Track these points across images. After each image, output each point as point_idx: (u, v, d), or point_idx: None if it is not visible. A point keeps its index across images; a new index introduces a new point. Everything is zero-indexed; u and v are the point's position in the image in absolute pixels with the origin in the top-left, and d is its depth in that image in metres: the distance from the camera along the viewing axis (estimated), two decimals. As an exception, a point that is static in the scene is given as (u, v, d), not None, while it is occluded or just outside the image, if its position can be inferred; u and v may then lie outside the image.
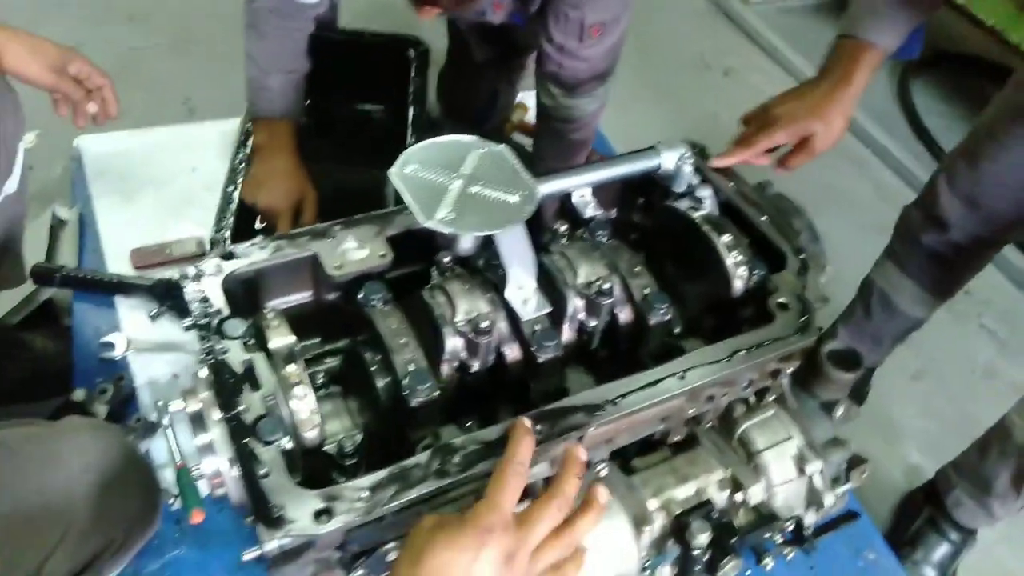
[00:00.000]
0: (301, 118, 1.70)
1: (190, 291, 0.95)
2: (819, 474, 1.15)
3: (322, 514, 0.77)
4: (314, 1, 1.57)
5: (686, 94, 3.00)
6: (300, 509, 0.76)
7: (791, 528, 1.15)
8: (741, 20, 3.38)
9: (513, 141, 2.23)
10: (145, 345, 1.56)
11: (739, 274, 1.07)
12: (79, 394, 1.39)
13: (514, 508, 0.76)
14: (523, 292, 0.96)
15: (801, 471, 1.14)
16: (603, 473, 1.01)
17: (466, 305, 0.93)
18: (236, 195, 1.63)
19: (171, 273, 1.64)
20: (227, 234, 1.56)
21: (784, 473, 1.14)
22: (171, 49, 2.67)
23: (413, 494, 0.80)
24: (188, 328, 0.95)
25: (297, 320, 1.07)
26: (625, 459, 1.18)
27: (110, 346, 1.54)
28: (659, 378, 0.93)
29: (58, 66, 1.26)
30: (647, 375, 0.94)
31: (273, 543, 0.74)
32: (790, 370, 1.09)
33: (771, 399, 1.16)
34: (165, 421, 1.23)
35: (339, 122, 2.12)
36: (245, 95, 1.71)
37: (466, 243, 0.91)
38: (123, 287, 1.62)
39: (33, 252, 1.71)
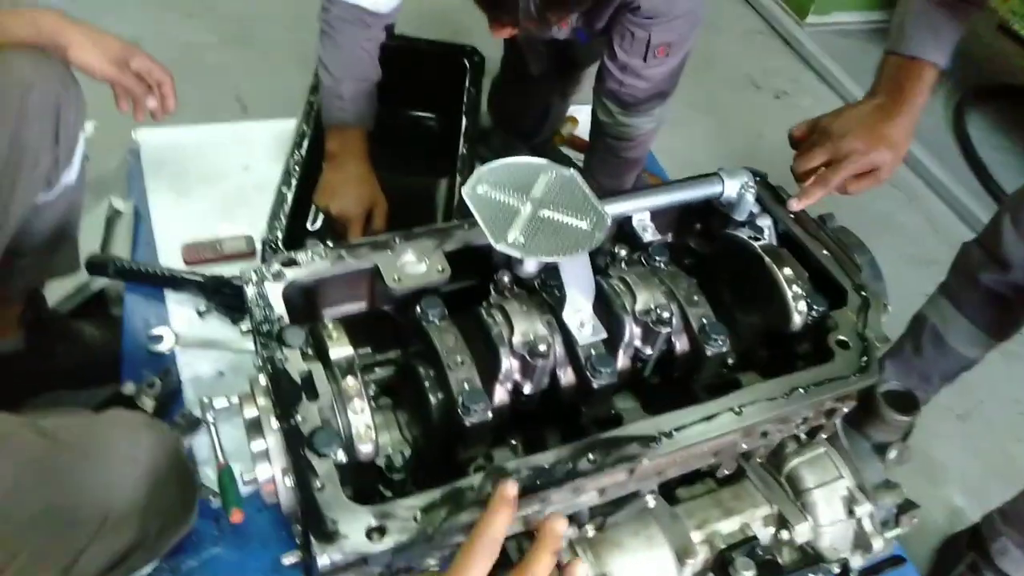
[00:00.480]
0: (372, 126, 1.70)
1: (251, 295, 0.96)
2: (869, 517, 1.12)
3: (375, 532, 0.76)
4: (387, 11, 1.58)
5: (735, 115, 2.97)
6: (354, 525, 0.76)
7: (837, 571, 1.12)
8: (795, 42, 3.34)
9: (561, 153, 2.23)
10: (192, 341, 1.58)
11: (799, 308, 1.05)
12: (129, 387, 1.40)
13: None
14: (580, 315, 0.95)
15: (850, 512, 1.11)
16: (651, 504, 0.99)
17: (524, 326, 0.93)
18: (290, 196, 1.65)
19: (221, 270, 1.66)
20: (279, 235, 1.57)
21: (833, 513, 1.11)
22: (226, 46, 2.71)
23: (465, 517, 0.79)
24: (246, 332, 0.96)
25: (349, 328, 1.08)
26: (668, 488, 1.17)
27: (158, 339, 1.56)
28: (716, 412, 0.92)
29: (120, 60, 1.28)
30: (704, 408, 0.92)
31: (325, 558, 0.74)
32: (846, 410, 1.07)
33: (823, 437, 1.13)
34: (209, 418, 1.25)
35: (391, 128, 2.12)
36: (302, 99, 1.73)
37: (530, 266, 0.91)
38: (174, 281, 1.64)
39: (89, 242, 1.74)
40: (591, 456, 0.86)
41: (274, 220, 1.59)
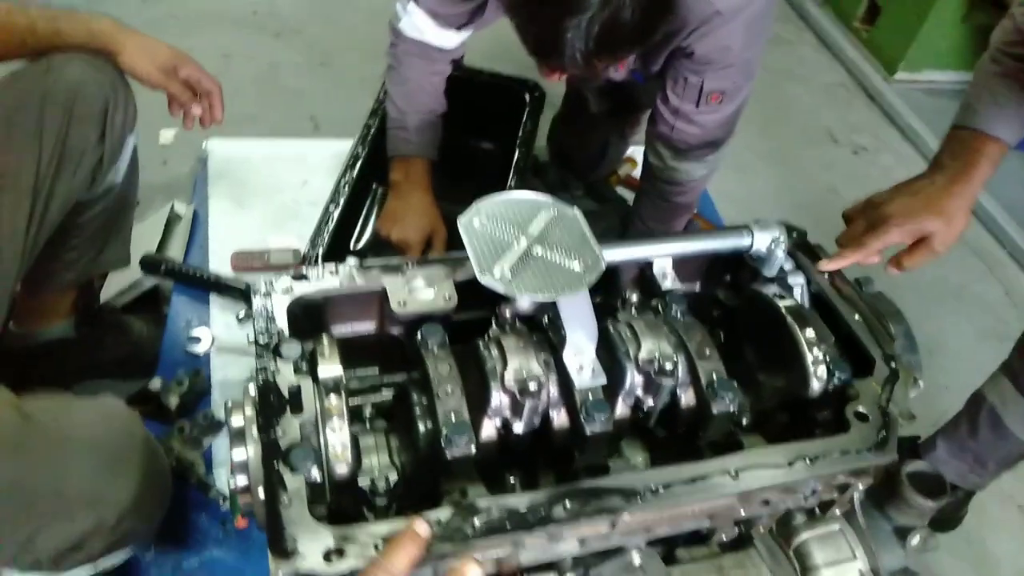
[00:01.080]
0: (435, 156, 1.74)
1: (256, 305, 0.97)
2: (881, 605, 1.04)
3: (334, 553, 0.76)
4: (453, 46, 1.62)
5: (807, 168, 2.88)
6: (313, 545, 0.76)
7: (841, 659, 1.04)
8: (880, 97, 3.23)
9: (616, 193, 2.21)
10: (228, 345, 1.63)
11: (819, 374, 1.00)
12: (155, 383, 1.45)
13: None
14: (580, 358, 0.93)
15: (861, 598, 1.04)
16: (636, 562, 0.95)
17: (517, 363, 0.91)
18: (336, 214, 1.68)
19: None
20: (320, 251, 1.61)
21: (841, 597, 1.04)
22: (308, 68, 2.82)
23: (428, 548, 0.78)
24: (250, 343, 0.98)
25: (360, 348, 1.08)
26: (671, 547, 1.12)
27: (196, 340, 1.62)
28: (709, 473, 0.88)
29: (168, 67, 1.33)
30: (696, 467, 0.88)
31: (279, 574, 0.73)
32: (861, 486, 1.00)
33: (838, 513, 1.06)
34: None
35: (449, 156, 2.16)
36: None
37: (523, 303, 0.89)
38: (219, 286, 1.70)
39: (149, 241, 1.83)
40: (567, 504, 0.83)
41: (317, 236, 1.63)
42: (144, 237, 1.82)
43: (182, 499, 1.39)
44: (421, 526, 0.76)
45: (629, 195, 2.21)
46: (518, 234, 0.87)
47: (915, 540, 1.07)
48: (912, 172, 1.28)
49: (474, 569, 0.74)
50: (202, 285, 1.71)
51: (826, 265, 1.14)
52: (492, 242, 0.86)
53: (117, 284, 1.78)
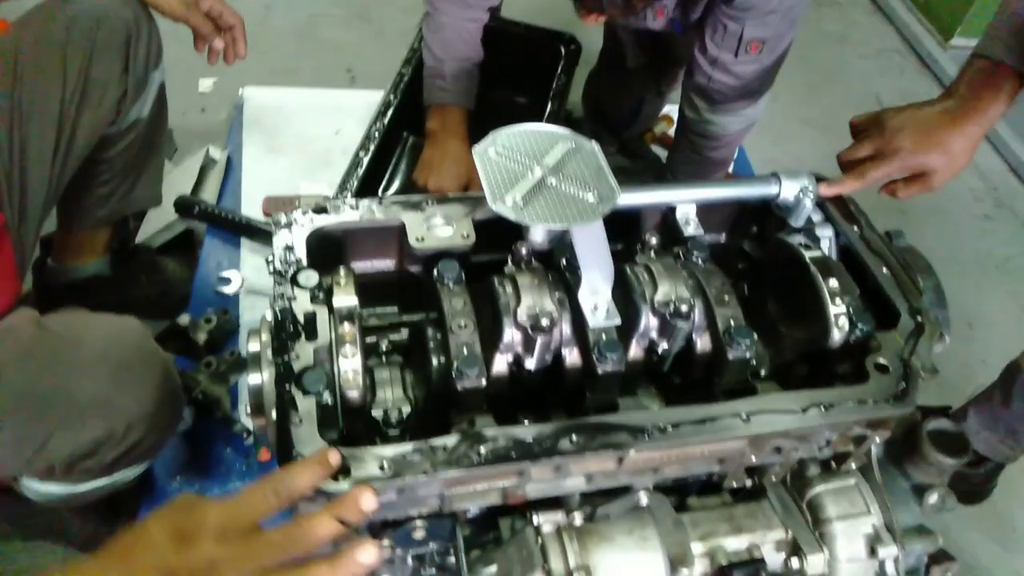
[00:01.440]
0: (472, 105, 1.73)
1: (279, 237, 0.99)
2: (892, 561, 1.02)
3: (338, 472, 0.77)
4: None
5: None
6: (320, 463, 0.77)
7: (850, 612, 1.04)
8: (935, 63, 3.11)
9: (651, 151, 2.18)
10: (257, 287, 1.66)
11: (839, 324, 0.97)
12: (184, 319, 1.49)
13: (242, 523, 0.67)
14: (595, 298, 0.93)
15: (873, 552, 1.02)
16: (643, 501, 0.95)
17: (530, 299, 0.91)
18: (366, 160, 1.69)
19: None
20: (348, 196, 1.61)
21: (852, 550, 1.03)
22: (346, 20, 2.81)
23: (433, 473, 0.79)
24: (271, 273, 0.99)
25: (380, 286, 1.09)
26: (683, 495, 1.12)
27: (227, 281, 1.65)
28: (719, 415, 0.87)
29: (188, 3, 1.33)
30: (706, 409, 0.87)
31: (286, 489, 0.75)
32: (879, 440, 0.98)
33: (854, 467, 1.05)
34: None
35: (482, 109, 2.15)
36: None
37: (537, 235, 0.89)
38: (250, 229, 1.72)
39: (184, 184, 1.86)
40: (574, 437, 0.83)
41: (346, 181, 1.64)
42: (179, 181, 1.86)
43: (207, 432, 1.43)
44: (333, 455, 0.74)
45: (664, 153, 2.17)
46: (533, 164, 0.86)
47: (932, 498, 1.05)
48: None
49: (368, 498, 0.71)
50: (234, 228, 1.74)
51: (826, 190, 1.13)
52: (507, 171, 0.85)
53: (153, 226, 1.82)
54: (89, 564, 0.67)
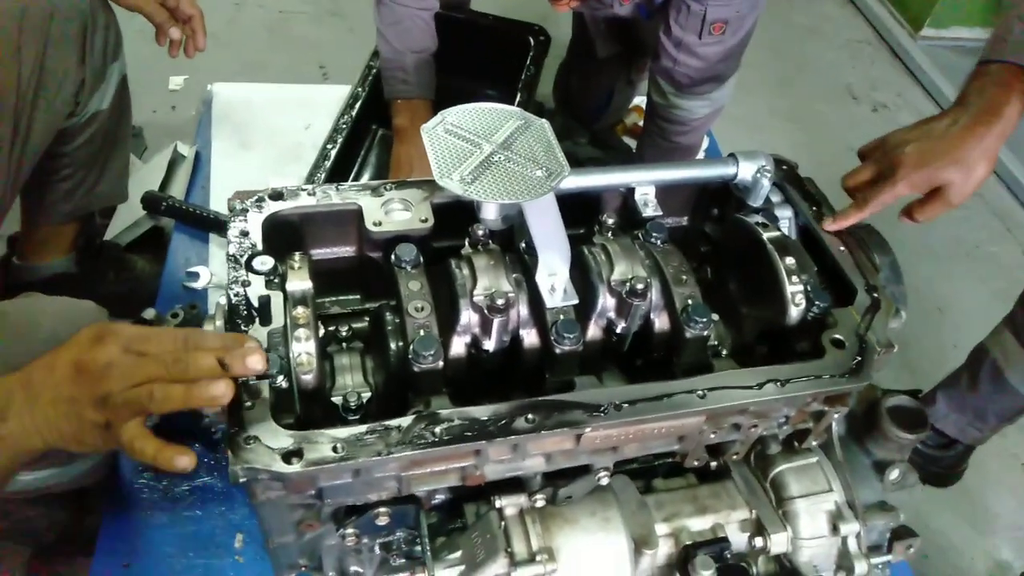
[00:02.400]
0: (433, 96, 1.72)
1: (235, 224, 0.98)
2: (855, 537, 1.03)
3: (291, 455, 0.77)
4: None
5: (825, 126, 2.82)
6: (270, 444, 0.77)
7: (813, 589, 1.04)
8: (905, 54, 3.14)
9: (622, 142, 2.18)
10: (225, 282, 1.64)
11: (796, 301, 0.98)
12: (149, 313, 1.46)
13: (146, 347, 0.76)
14: (553, 279, 0.93)
15: (835, 529, 1.03)
16: (603, 481, 0.95)
17: (487, 281, 0.91)
18: (334, 153, 1.69)
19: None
20: (315, 188, 1.61)
21: (815, 527, 1.04)
22: (317, 17, 2.81)
23: (388, 454, 0.78)
24: (226, 259, 0.99)
25: (342, 274, 1.09)
26: (649, 479, 1.12)
27: (195, 276, 1.64)
28: (674, 392, 0.87)
29: None
30: (662, 386, 0.87)
31: (236, 468, 0.75)
32: (837, 415, 0.99)
33: (815, 444, 1.06)
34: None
35: (452, 99, 2.15)
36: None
37: (489, 213, 0.89)
38: (218, 225, 1.71)
39: (154, 182, 1.84)
40: (530, 416, 0.83)
41: (314, 174, 1.63)
42: (147, 177, 1.84)
43: (175, 427, 1.42)
44: (251, 342, 0.78)
45: (635, 144, 2.18)
46: (483, 142, 0.86)
47: (893, 474, 1.06)
48: None
49: (255, 358, 0.75)
50: (202, 224, 1.72)
51: (831, 226, 1.07)
52: (455, 149, 0.85)
53: (121, 222, 1.81)
54: (26, 368, 0.80)
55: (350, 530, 0.96)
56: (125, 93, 1.48)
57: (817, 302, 0.98)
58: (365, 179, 1.84)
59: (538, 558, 0.94)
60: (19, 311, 1.02)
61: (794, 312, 0.98)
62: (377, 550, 1.05)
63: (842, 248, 1.07)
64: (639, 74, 2.05)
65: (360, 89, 1.80)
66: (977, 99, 1.08)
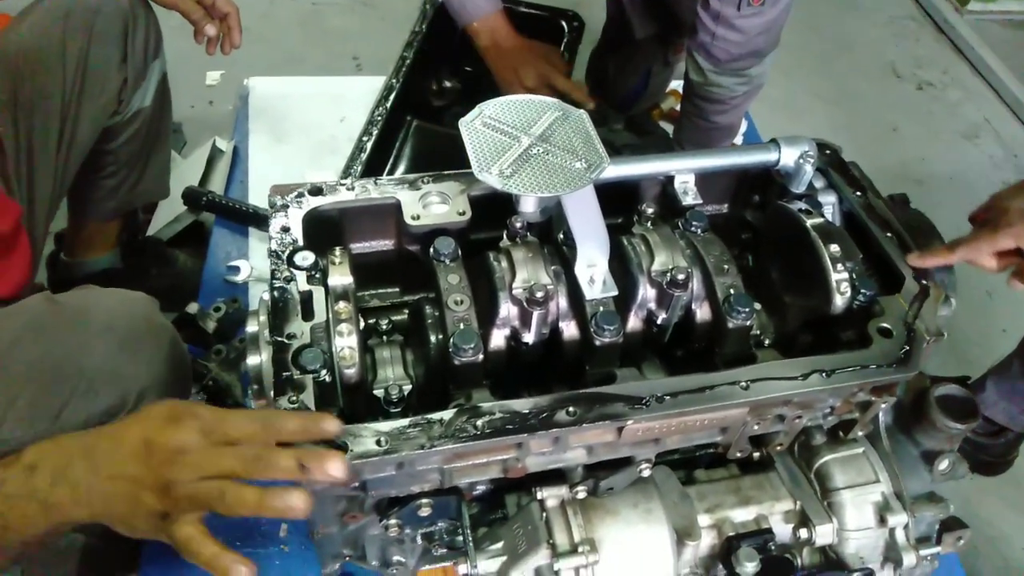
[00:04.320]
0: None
1: (276, 219, 0.99)
2: (903, 528, 1.01)
3: (337, 448, 0.77)
4: None
5: (867, 106, 2.75)
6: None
7: (860, 581, 1.03)
8: (951, 30, 3.04)
9: (659, 127, 2.16)
10: (265, 275, 1.66)
11: (841, 290, 0.96)
12: (192, 307, 1.50)
13: (223, 432, 0.72)
14: (592, 271, 0.92)
15: (882, 521, 1.01)
16: (645, 473, 0.95)
17: (525, 273, 0.91)
18: (369, 145, 1.69)
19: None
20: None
21: (861, 519, 1.02)
22: (350, 7, 2.82)
23: (430, 447, 0.79)
24: (268, 255, 1.00)
25: (380, 267, 1.10)
26: (690, 469, 1.11)
27: (235, 270, 1.66)
28: (717, 383, 0.86)
29: None
30: (705, 378, 0.87)
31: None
32: (884, 405, 0.97)
33: (861, 435, 1.04)
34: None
35: (488, 90, 2.14)
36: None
37: (527, 206, 0.88)
38: (257, 218, 1.73)
39: (193, 177, 1.88)
40: (571, 408, 0.83)
41: (350, 166, 1.64)
42: (187, 173, 1.87)
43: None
44: (330, 420, 0.74)
45: (671, 130, 2.15)
46: (521, 134, 0.85)
47: (942, 465, 1.04)
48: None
49: (336, 464, 0.70)
50: (241, 218, 1.75)
51: (916, 261, 0.99)
52: (494, 142, 0.85)
53: (162, 219, 1.84)
54: (84, 431, 0.76)
55: (393, 521, 0.97)
56: (166, 90, 1.51)
57: (863, 290, 0.96)
58: (400, 170, 1.85)
59: (580, 549, 0.94)
60: (74, 303, 1.04)
61: (839, 300, 0.96)
62: (419, 540, 1.07)
63: (889, 234, 1.04)
64: (676, 55, 2.02)
65: (394, 80, 1.80)
66: None
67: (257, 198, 1.81)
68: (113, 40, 1.31)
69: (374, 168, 1.69)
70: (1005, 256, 0.99)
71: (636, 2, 1.88)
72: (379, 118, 1.73)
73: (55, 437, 0.76)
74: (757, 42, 1.52)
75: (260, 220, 1.73)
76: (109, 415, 1.01)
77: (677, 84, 2.18)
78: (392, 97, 1.77)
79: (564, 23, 1.97)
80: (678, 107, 2.17)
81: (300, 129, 1.98)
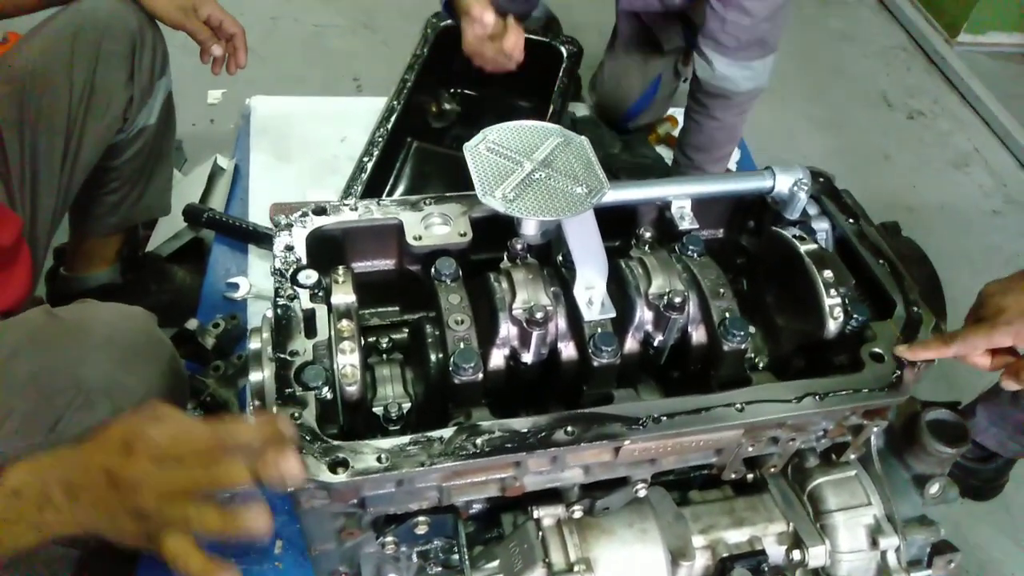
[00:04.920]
0: None
1: (280, 238, 1.01)
2: (895, 551, 1.03)
3: (337, 465, 0.78)
4: None
5: (859, 133, 2.79)
6: (318, 455, 0.79)
7: (852, 603, 1.04)
8: (941, 61, 3.10)
9: (656, 153, 2.19)
10: (265, 293, 1.68)
11: (835, 315, 0.98)
12: (192, 323, 1.51)
13: (177, 451, 0.73)
14: (591, 293, 0.94)
15: (874, 543, 1.03)
16: (640, 494, 0.96)
17: (525, 294, 0.92)
18: (370, 166, 1.71)
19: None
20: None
21: (853, 541, 1.03)
22: (351, 30, 2.85)
23: (430, 464, 0.80)
24: (272, 273, 1.01)
25: (381, 286, 1.11)
26: (685, 490, 1.12)
27: (235, 287, 1.67)
28: (713, 405, 0.88)
29: (187, 7, 1.35)
30: (701, 399, 0.88)
31: (285, 481, 0.77)
32: (876, 429, 0.98)
33: (854, 458, 1.05)
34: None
35: (487, 113, 2.17)
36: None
37: (528, 229, 0.90)
38: (257, 236, 1.75)
39: (194, 194, 1.89)
40: (569, 428, 0.84)
41: (351, 186, 1.66)
42: (188, 190, 1.89)
43: (217, 434, 1.45)
44: (283, 420, 0.76)
45: (668, 154, 2.18)
46: (523, 159, 0.87)
47: (933, 489, 1.05)
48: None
49: (292, 465, 0.71)
50: (241, 235, 1.76)
51: (907, 353, 0.95)
52: (497, 167, 0.87)
53: (162, 235, 1.85)
54: (54, 453, 0.77)
55: (389, 538, 0.98)
56: (171, 108, 1.53)
57: (855, 315, 0.98)
58: (400, 191, 1.87)
59: (576, 568, 0.95)
60: (73, 316, 1.05)
61: (832, 325, 0.98)
62: (415, 558, 1.07)
63: (881, 261, 1.06)
64: (685, 61, 2.09)
65: (395, 102, 1.83)
66: None
67: (257, 216, 1.83)
68: (120, 60, 1.33)
69: (375, 188, 1.71)
70: (999, 354, 0.97)
71: (657, 17, 1.95)
72: (380, 139, 1.76)
73: (32, 458, 0.78)
74: (763, 28, 1.62)
75: (260, 237, 1.75)
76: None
77: (674, 111, 2.22)
78: (393, 118, 1.80)
79: (563, 48, 2.00)
80: (674, 132, 2.21)
81: (301, 148, 2.00)
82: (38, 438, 0.96)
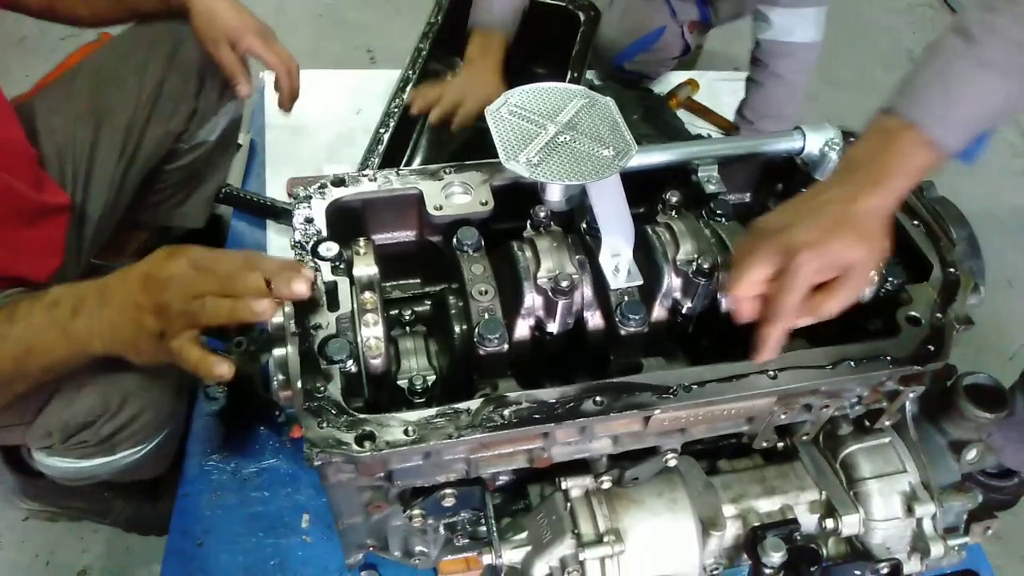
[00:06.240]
0: (512, 35, 1.70)
1: (299, 211, 0.99)
2: (931, 519, 1.01)
3: (364, 439, 0.77)
4: None
5: (885, 91, 2.69)
6: (344, 428, 0.78)
7: (886, 571, 1.02)
8: (969, 17, 3.00)
9: (677, 116, 2.14)
10: (284, 267, 1.67)
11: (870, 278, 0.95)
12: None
13: (210, 264, 0.84)
14: (617, 260, 0.92)
15: (909, 511, 1.01)
16: (671, 463, 0.95)
17: (550, 263, 0.90)
18: (386, 137, 1.68)
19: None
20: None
21: (888, 509, 1.01)
22: (364, 4, 2.81)
23: (458, 436, 0.79)
24: (292, 246, 1.00)
25: (402, 258, 1.09)
26: (714, 459, 1.11)
27: (253, 263, 1.66)
28: (745, 372, 0.86)
29: (218, 39, 1.30)
30: (732, 367, 0.86)
31: (311, 452, 0.76)
32: (912, 395, 0.96)
33: (888, 424, 1.03)
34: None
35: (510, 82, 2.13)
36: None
37: (553, 195, 0.88)
38: (274, 211, 1.74)
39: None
40: (598, 398, 0.82)
41: (367, 159, 1.64)
42: (205, 166, 1.87)
43: (241, 411, 1.46)
44: (305, 269, 0.85)
45: (689, 118, 2.14)
46: (547, 122, 0.85)
47: (971, 454, 1.03)
48: None
49: (299, 282, 0.82)
50: (259, 210, 1.75)
51: (759, 359, 0.85)
52: (520, 130, 0.84)
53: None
54: (104, 277, 0.88)
55: (416, 511, 0.98)
56: (234, 132, 1.55)
57: (891, 278, 0.95)
58: (417, 162, 1.84)
59: (605, 539, 0.94)
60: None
61: (867, 289, 0.95)
62: (442, 530, 1.07)
63: (916, 223, 1.03)
64: (690, 32, 2.06)
65: (410, 72, 1.79)
66: (866, 164, 0.88)
67: (275, 191, 1.82)
68: (192, 72, 1.35)
69: (391, 159, 1.69)
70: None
71: None
72: (395, 110, 1.72)
73: (73, 283, 0.90)
74: None
75: (278, 213, 1.73)
76: (91, 417, 1.05)
77: (695, 73, 2.17)
78: (408, 89, 1.76)
79: (580, 13, 1.95)
80: (695, 96, 2.16)
81: (317, 122, 1.98)
82: (29, 417, 1.04)
